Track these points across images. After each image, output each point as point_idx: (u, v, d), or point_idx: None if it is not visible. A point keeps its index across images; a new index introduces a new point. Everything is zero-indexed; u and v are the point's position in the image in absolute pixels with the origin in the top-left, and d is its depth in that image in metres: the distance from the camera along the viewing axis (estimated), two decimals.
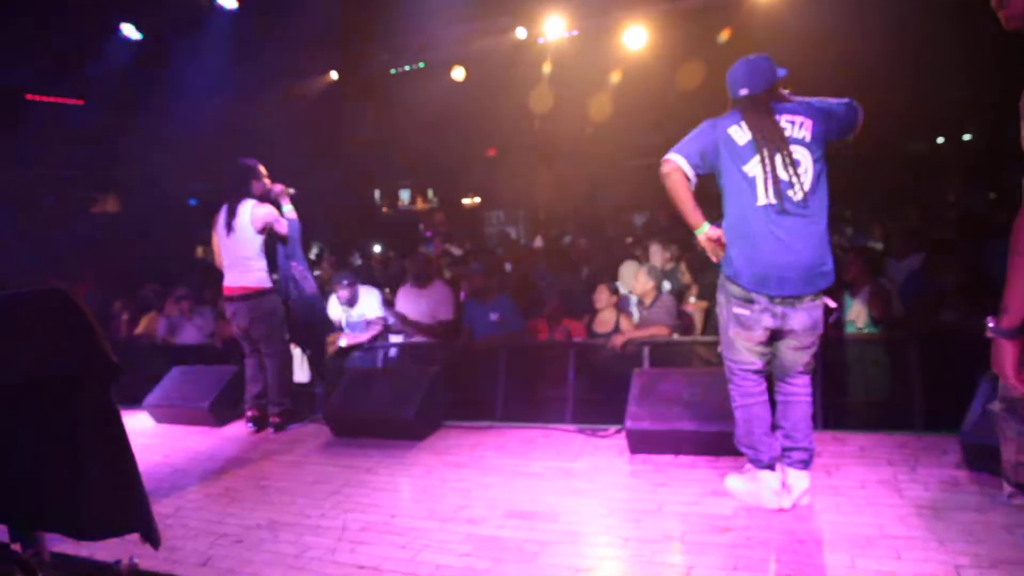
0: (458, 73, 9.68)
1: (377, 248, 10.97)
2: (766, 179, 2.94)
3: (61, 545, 2.87)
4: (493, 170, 14.06)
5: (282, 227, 4.92)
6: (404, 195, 17.15)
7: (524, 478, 3.80)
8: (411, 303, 5.98)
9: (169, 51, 8.87)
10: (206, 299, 7.31)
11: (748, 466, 3.23)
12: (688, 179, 3.05)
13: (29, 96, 9.76)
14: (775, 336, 3.08)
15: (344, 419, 4.78)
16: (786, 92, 3.11)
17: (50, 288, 1.76)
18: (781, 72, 3.07)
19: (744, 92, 3.04)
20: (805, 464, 3.11)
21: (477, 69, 9.72)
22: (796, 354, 3.09)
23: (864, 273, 4.71)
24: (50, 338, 1.76)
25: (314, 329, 5.38)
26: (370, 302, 5.96)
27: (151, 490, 2.23)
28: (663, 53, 8.65)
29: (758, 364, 3.13)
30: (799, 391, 3.17)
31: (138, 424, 5.42)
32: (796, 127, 2.98)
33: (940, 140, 11.67)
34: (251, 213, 4.83)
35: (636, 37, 8.44)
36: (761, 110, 3.00)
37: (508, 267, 7.97)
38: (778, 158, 2.94)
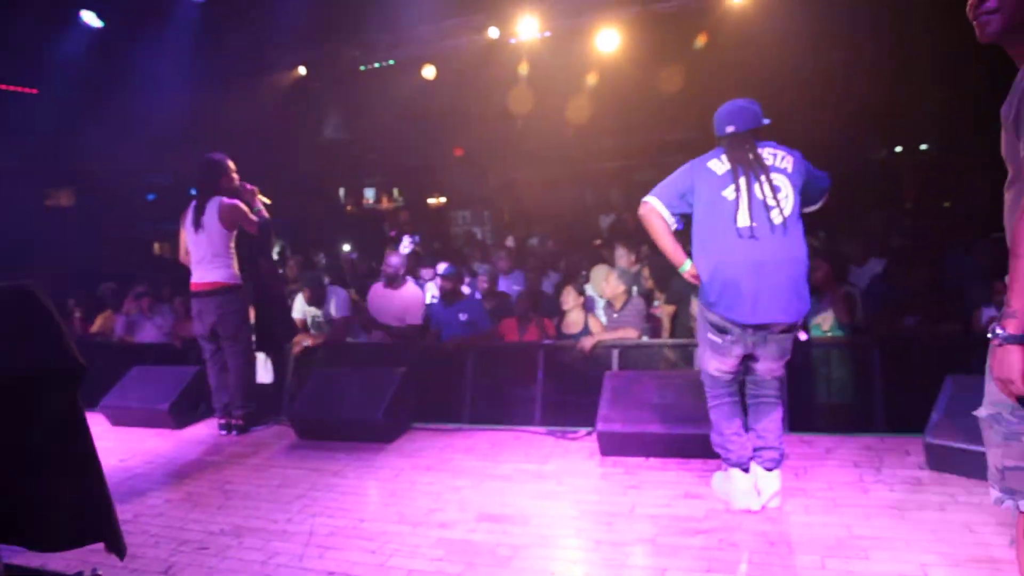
0: (429, 71, 9.60)
1: (346, 247, 10.83)
2: (748, 201, 2.99)
3: (19, 557, 2.74)
4: (460, 170, 14.00)
5: (252, 225, 4.82)
6: (369, 194, 16.98)
7: (495, 481, 3.78)
8: (382, 304, 5.90)
9: (131, 40, 8.59)
10: (165, 297, 7.12)
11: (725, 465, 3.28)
12: (665, 220, 3.13)
13: None
14: (747, 356, 3.16)
15: (310, 421, 4.69)
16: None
17: (15, 285, 1.68)
18: (766, 121, 3.16)
19: (730, 129, 3.13)
20: (776, 463, 3.16)
21: (448, 68, 9.65)
22: (766, 367, 3.19)
23: (831, 278, 4.79)
24: (15, 336, 1.68)
25: (280, 329, 5.27)
26: (337, 302, 5.86)
27: None
28: (634, 57, 8.69)
29: (730, 377, 3.23)
30: (769, 394, 3.26)
31: (93, 426, 5.22)
32: (778, 159, 3.06)
33: (898, 149, 11.97)
34: (220, 209, 4.72)
35: (608, 40, 8.47)
36: (744, 144, 3.08)
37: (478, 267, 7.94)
38: (757, 184, 3.00)
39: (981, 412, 1.88)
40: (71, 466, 1.74)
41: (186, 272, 4.96)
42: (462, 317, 5.74)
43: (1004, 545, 2.67)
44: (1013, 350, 1.72)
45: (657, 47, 8.80)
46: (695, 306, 4.98)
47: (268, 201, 4.96)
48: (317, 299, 5.80)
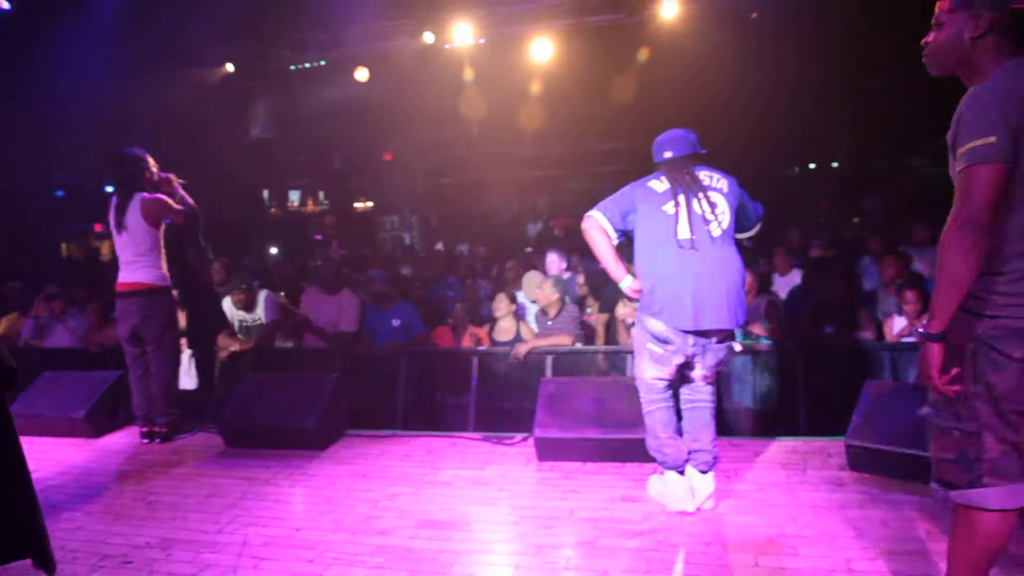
0: (362, 74, 9.47)
1: (273, 250, 10.53)
2: (688, 215, 3.13)
3: None
4: (389, 175, 13.88)
5: (178, 215, 4.63)
6: (294, 196, 16.59)
7: (433, 487, 3.75)
8: (317, 308, 5.77)
9: (41, 26, 8.10)
10: (80, 299, 6.74)
11: (660, 468, 3.36)
12: (608, 235, 3.23)
13: None
14: (683, 364, 3.28)
15: (239, 428, 4.54)
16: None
17: None
18: (703, 151, 3.31)
19: (668, 155, 3.27)
20: (710, 465, 3.27)
21: (381, 71, 9.56)
22: (702, 374, 3.32)
23: (756, 287, 4.99)
24: None
25: (209, 323, 5.07)
26: (266, 305, 5.70)
27: None
28: (567, 67, 8.85)
29: (666, 383, 3.33)
30: (703, 399, 3.38)
31: None
32: (714, 180, 3.23)
33: (812, 166, 12.61)
34: (142, 206, 4.52)
35: (542, 50, 8.59)
36: (682, 168, 3.23)
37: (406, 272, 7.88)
38: (695, 200, 3.15)
39: (923, 410, 2.04)
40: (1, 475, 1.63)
41: (101, 273, 4.72)
42: (395, 323, 5.68)
43: (918, 538, 2.86)
44: (932, 347, 1.93)
45: (589, 59, 9.01)
46: (620, 309, 5.13)
47: (183, 181, 4.78)
48: (247, 303, 5.62)
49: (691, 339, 3.15)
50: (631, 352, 4.78)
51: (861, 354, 4.59)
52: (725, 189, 3.22)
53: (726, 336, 3.23)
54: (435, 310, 6.47)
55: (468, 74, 9.36)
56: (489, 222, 13.61)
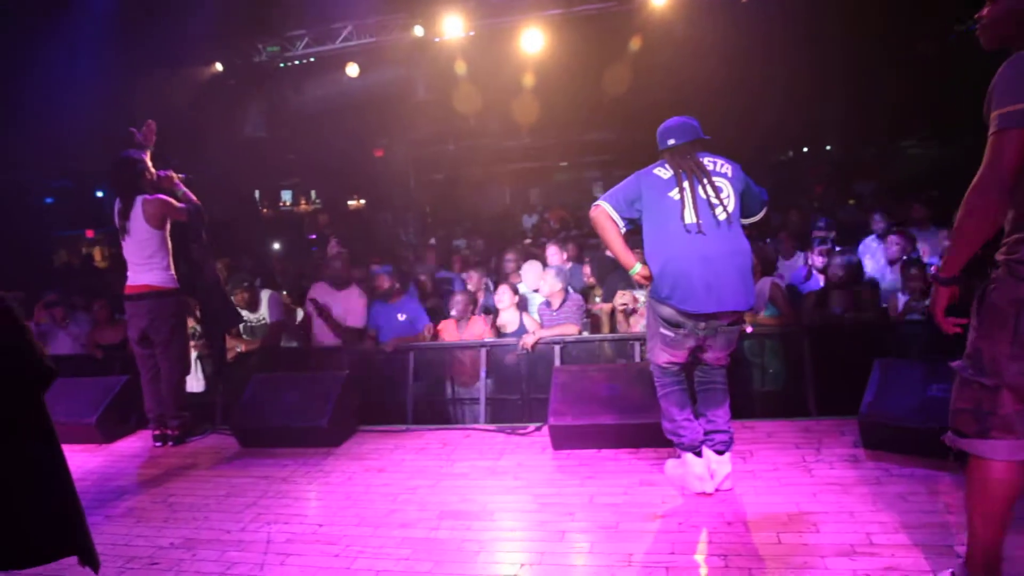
0: (352, 70, 9.42)
1: (276, 246, 10.49)
2: (693, 200, 3.16)
3: None
4: (382, 171, 13.83)
5: (181, 214, 4.61)
6: (286, 196, 16.55)
7: (451, 479, 3.77)
8: (324, 303, 5.75)
9: (30, 30, 8.01)
10: (78, 306, 6.71)
11: (679, 451, 3.39)
12: (616, 223, 3.27)
13: None
14: (696, 348, 3.31)
15: (252, 429, 4.54)
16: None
17: None
18: (706, 137, 3.34)
19: (671, 142, 3.31)
20: (727, 445, 3.31)
21: (372, 66, 9.52)
22: (714, 356, 3.35)
23: (760, 270, 5.02)
24: None
25: (218, 317, 5.04)
26: (270, 305, 5.69)
27: None
28: (557, 58, 8.84)
29: (679, 366, 3.38)
30: (717, 381, 3.41)
31: None
32: (718, 165, 3.27)
33: (805, 149, 12.67)
34: (144, 209, 4.50)
35: (532, 41, 8.57)
36: (685, 154, 3.27)
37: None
38: (700, 186, 3.19)
39: (955, 363, 2.17)
40: (41, 475, 1.64)
41: (98, 280, 4.70)
42: (400, 317, 5.69)
43: (936, 511, 2.91)
44: (940, 290, 2.18)
45: (579, 49, 9.00)
46: (617, 298, 5.16)
47: (184, 176, 4.75)
48: (250, 302, 5.61)
49: (702, 322, 3.17)
50: (638, 339, 4.85)
51: (866, 333, 4.64)
52: (729, 174, 3.25)
53: (736, 318, 3.26)
54: (440, 304, 6.47)
55: (460, 67, 9.33)
56: (483, 215, 13.61)
